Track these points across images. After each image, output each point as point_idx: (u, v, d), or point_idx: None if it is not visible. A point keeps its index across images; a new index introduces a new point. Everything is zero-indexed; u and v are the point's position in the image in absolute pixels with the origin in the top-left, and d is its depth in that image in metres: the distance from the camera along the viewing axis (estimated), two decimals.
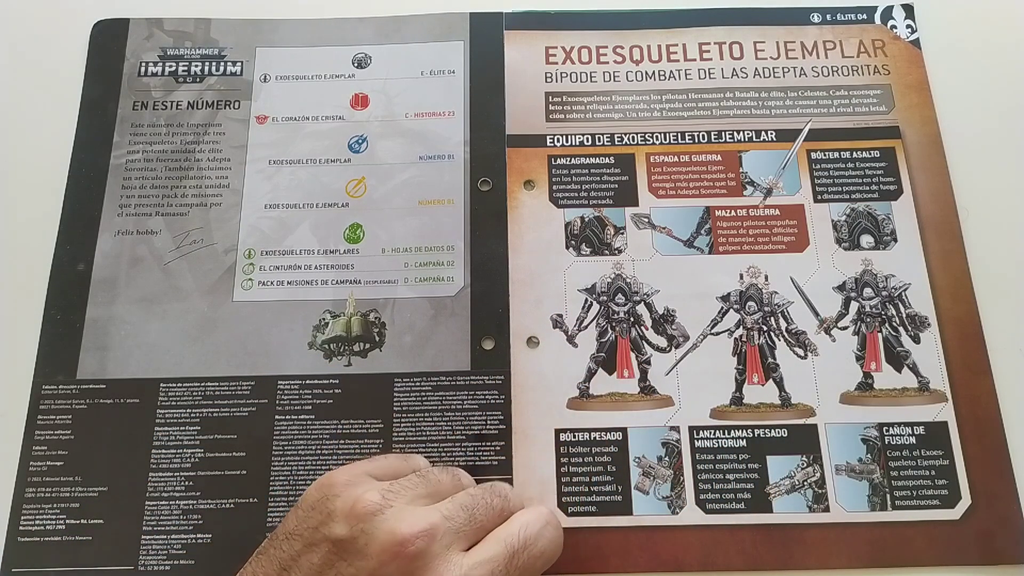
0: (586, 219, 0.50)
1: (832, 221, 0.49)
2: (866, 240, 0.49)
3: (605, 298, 0.48)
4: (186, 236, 0.49)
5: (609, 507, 0.43)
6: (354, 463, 0.39)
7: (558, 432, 0.45)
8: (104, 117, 0.52)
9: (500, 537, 0.35)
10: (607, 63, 0.54)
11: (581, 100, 0.53)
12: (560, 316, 0.47)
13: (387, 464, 0.40)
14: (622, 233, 0.49)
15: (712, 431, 0.45)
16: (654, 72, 0.54)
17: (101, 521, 0.43)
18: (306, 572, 0.33)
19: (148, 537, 0.43)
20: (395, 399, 0.45)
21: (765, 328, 0.47)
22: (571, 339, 0.47)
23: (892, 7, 0.55)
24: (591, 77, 0.53)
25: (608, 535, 0.43)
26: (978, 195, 0.50)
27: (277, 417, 0.45)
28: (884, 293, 0.48)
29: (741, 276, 0.48)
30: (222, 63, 0.54)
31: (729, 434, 0.45)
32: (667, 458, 0.44)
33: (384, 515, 0.33)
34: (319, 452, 0.44)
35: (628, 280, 0.48)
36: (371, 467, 0.39)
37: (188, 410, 0.45)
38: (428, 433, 0.45)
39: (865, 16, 0.55)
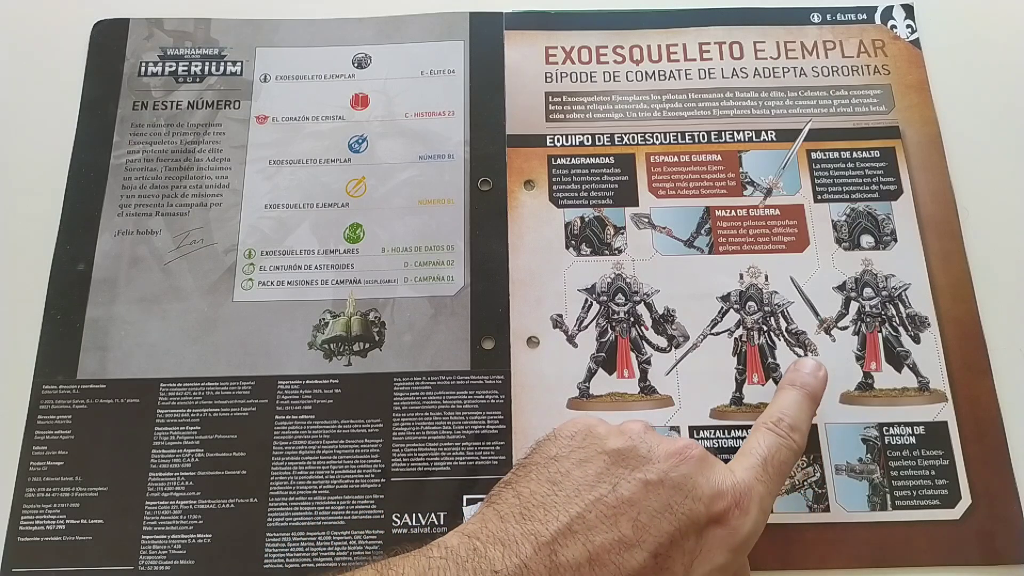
0: (586, 219, 0.50)
1: (832, 221, 0.49)
2: (866, 240, 0.49)
3: (605, 298, 0.48)
4: (186, 236, 0.49)
5: None
6: None
7: None
8: (104, 117, 0.52)
9: (754, 450, 0.37)
10: (607, 63, 0.54)
11: (581, 100, 0.53)
12: (560, 316, 0.47)
13: None
14: (622, 233, 0.49)
15: (712, 431, 0.45)
16: (654, 72, 0.54)
17: (101, 521, 0.43)
18: (578, 480, 0.34)
19: (148, 537, 0.43)
20: (395, 399, 0.45)
21: (765, 328, 0.47)
22: (571, 339, 0.47)
23: (892, 7, 0.55)
24: (591, 77, 0.53)
25: None
26: (978, 195, 0.50)
27: (277, 417, 0.45)
28: (884, 293, 0.48)
29: (741, 276, 0.48)
30: (222, 63, 0.54)
31: (729, 434, 0.45)
32: None
33: (654, 434, 0.37)
34: (319, 452, 0.44)
35: (628, 280, 0.48)
36: None
37: (188, 410, 0.45)
38: (428, 433, 0.45)
39: (865, 16, 0.55)
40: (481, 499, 0.43)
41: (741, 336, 0.47)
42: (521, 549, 0.32)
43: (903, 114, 0.52)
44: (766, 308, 0.47)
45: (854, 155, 0.51)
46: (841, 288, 0.48)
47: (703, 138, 0.52)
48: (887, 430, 0.45)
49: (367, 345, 0.47)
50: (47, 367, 0.46)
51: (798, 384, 0.41)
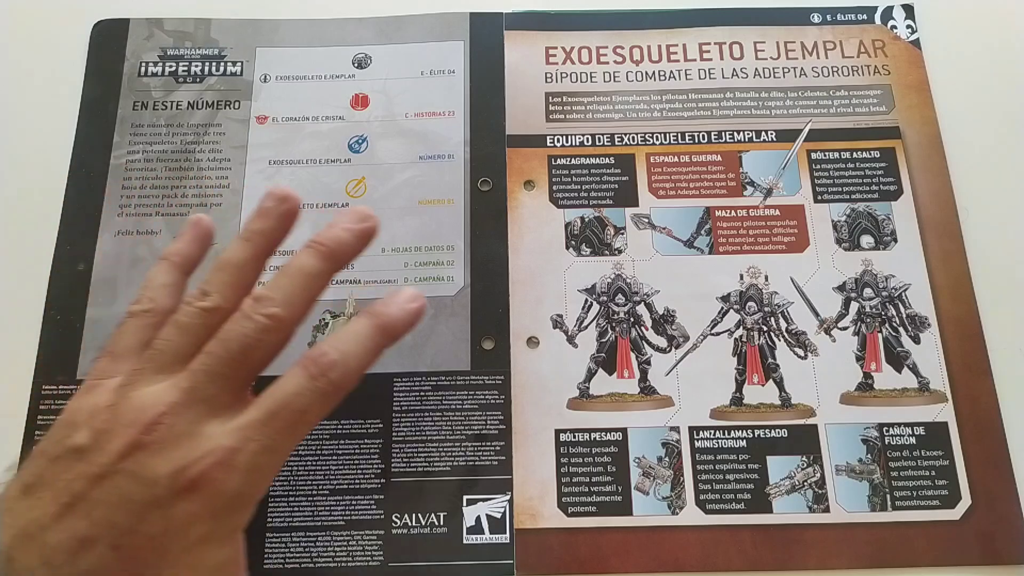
0: (586, 219, 0.50)
1: (832, 221, 0.49)
2: (866, 240, 0.49)
3: (605, 298, 0.48)
4: None
5: (609, 507, 0.43)
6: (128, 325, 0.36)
7: (558, 432, 0.45)
8: (104, 117, 0.52)
9: (270, 396, 0.33)
10: (607, 63, 0.54)
11: (581, 100, 0.53)
12: (560, 316, 0.47)
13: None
14: (622, 233, 0.49)
15: (712, 431, 0.45)
16: (654, 72, 0.54)
17: None
18: (44, 478, 0.32)
19: None
20: (395, 399, 0.45)
21: (765, 328, 0.47)
22: (571, 339, 0.47)
23: (892, 7, 0.55)
24: (591, 77, 0.53)
25: (608, 535, 0.43)
26: (978, 195, 0.50)
27: None
28: (884, 293, 0.48)
29: (741, 276, 0.48)
30: (222, 63, 0.54)
31: (729, 434, 0.45)
32: (667, 458, 0.44)
33: (120, 421, 0.32)
34: (319, 452, 0.44)
35: (628, 280, 0.48)
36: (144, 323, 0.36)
37: None
38: (428, 433, 0.45)
39: (865, 16, 0.55)
40: (481, 499, 0.43)
41: (741, 336, 0.47)
42: None
43: (903, 114, 0.52)
44: (766, 308, 0.47)
45: (854, 155, 0.51)
46: (841, 288, 0.48)
47: (703, 138, 0.52)
48: (887, 430, 0.45)
49: None
50: (47, 367, 0.46)
51: (374, 313, 0.35)
